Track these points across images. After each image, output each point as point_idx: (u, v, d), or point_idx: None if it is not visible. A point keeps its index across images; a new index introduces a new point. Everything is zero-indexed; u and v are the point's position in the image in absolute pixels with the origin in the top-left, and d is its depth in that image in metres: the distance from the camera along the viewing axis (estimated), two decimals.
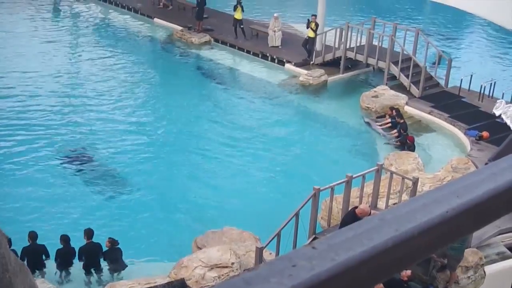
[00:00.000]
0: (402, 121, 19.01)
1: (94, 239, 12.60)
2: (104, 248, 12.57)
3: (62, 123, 19.42)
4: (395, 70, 22.10)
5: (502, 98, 20.41)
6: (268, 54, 25.04)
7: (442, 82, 22.21)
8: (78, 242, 12.57)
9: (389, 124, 19.46)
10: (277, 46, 25.48)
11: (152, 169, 17.09)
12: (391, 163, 15.92)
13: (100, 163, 17.24)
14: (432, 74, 22.30)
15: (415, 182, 12.84)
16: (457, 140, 19.11)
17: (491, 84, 21.18)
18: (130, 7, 30.48)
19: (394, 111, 19.53)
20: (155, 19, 29.38)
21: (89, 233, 12.58)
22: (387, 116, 19.80)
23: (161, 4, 30.57)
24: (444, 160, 16.75)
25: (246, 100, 21.90)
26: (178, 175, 16.91)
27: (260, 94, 22.32)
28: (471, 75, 21.51)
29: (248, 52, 25.67)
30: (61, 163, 17.07)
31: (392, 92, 21.30)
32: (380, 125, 19.67)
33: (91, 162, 17.24)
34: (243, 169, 17.32)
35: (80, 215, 14.76)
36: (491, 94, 21.13)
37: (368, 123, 20.24)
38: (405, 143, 18.24)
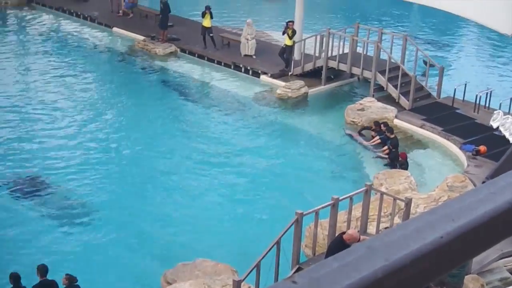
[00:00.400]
0: (392, 136, 19.14)
1: (49, 276, 12.42)
2: (61, 286, 12.41)
3: (10, 144, 19.20)
4: (382, 80, 22.29)
5: (500, 108, 20.67)
6: (241, 65, 25.11)
7: (434, 93, 22.45)
8: (30, 280, 12.38)
9: (379, 141, 19.57)
10: (251, 56, 25.59)
11: (114, 194, 16.95)
12: (381, 183, 16.00)
13: (55, 188, 17.03)
14: (423, 83, 22.54)
15: (408, 203, 12.91)
16: (452, 155, 19.30)
17: (487, 93, 21.42)
18: (86, 15, 30.40)
19: (383, 125, 19.67)
20: (114, 29, 29.33)
21: (42, 269, 12.41)
22: (373, 133, 19.92)
23: (120, 12, 30.52)
24: (439, 178, 16.88)
25: (218, 117, 21.89)
26: (144, 199, 16.79)
27: (233, 110, 22.34)
28: (465, 84, 21.76)
29: (219, 63, 25.73)
30: (9, 189, 16.83)
31: (380, 104, 21.46)
32: (370, 143, 19.75)
33: (45, 187, 17.03)
34: (216, 191, 17.27)
35: (32, 249, 14.55)
36: (487, 105, 21.38)
37: (349, 135, 20.40)
38: (397, 161, 18.35)
